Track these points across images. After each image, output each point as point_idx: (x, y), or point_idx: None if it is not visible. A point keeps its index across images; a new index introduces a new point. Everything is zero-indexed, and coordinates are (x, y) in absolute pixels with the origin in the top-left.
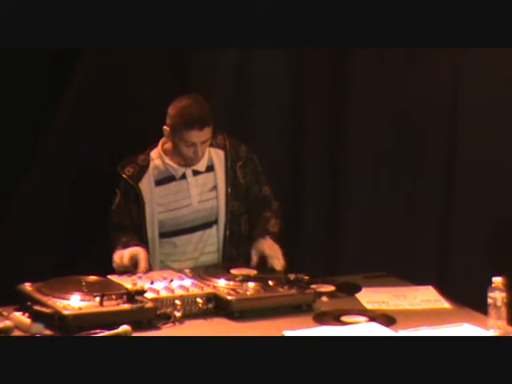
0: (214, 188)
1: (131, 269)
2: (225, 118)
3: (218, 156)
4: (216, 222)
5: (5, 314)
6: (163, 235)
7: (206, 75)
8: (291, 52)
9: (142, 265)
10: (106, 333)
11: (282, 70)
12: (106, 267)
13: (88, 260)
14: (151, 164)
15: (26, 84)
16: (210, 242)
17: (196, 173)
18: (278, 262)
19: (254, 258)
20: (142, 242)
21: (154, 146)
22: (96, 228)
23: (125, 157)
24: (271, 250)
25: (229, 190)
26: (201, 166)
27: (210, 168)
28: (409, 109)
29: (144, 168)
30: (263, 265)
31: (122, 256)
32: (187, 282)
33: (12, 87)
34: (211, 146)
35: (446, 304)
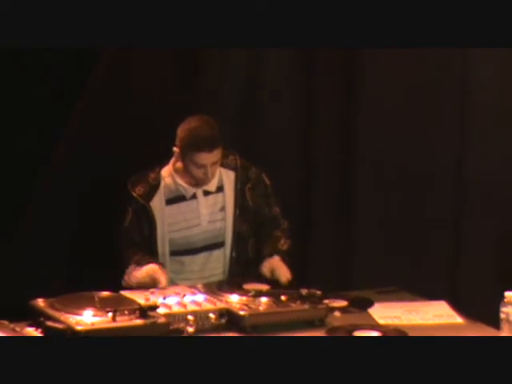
0: (223, 209)
1: (151, 285)
2: (234, 131)
3: (228, 177)
4: (223, 243)
5: (17, 329)
6: (171, 253)
7: (216, 89)
8: (303, 68)
9: (163, 280)
10: None
11: (292, 86)
12: (116, 282)
13: (98, 275)
14: (162, 183)
15: (34, 92)
16: (218, 264)
17: (206, 193)
18: (284, 277)
19: (268, 274)
20: (154, 258)
21: (165, 163)
22: (106, 242)
23: (135, 171)
24: (278, 265)
25: (237, 211)
26: (211, 186)
27: (220, 188)
28: (417, 122)
29: (155, 187)
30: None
31: (142, 275)
32: (200, 298)
33: (18, 94)
34: (222, 166)
35: (458, 319)
